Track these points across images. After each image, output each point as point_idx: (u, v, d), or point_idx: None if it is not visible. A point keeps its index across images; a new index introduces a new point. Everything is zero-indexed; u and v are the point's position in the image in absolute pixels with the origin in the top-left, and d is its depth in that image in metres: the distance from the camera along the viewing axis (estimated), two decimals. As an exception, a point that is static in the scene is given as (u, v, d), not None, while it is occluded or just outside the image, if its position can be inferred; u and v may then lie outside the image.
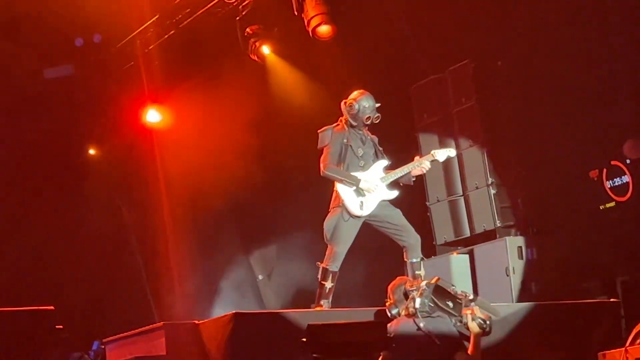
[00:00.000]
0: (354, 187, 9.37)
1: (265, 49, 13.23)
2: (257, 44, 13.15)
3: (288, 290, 14.42)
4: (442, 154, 9.92)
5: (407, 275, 9.52)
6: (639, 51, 10.45)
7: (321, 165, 9.47)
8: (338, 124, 9.62)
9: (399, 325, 7.51)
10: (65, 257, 14.90)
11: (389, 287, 7.76)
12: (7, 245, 14.15)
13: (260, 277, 14.85)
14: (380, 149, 9.68)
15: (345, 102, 9.61)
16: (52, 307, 5.72)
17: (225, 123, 13.58)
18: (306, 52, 12.87)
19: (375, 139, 9.70)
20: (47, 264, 14.65)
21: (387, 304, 7.78)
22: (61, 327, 5.71)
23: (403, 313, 7.54)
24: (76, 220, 15.01)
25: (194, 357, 8.52)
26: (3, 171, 14.06)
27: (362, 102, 9.53)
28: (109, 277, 15.02)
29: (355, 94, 9.60)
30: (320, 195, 9.98)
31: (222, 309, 13.45)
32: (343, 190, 9.39)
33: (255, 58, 13.23)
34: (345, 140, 9.50)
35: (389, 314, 7.70)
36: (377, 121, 9.60)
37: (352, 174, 9.44)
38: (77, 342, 11.53)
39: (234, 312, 8.34)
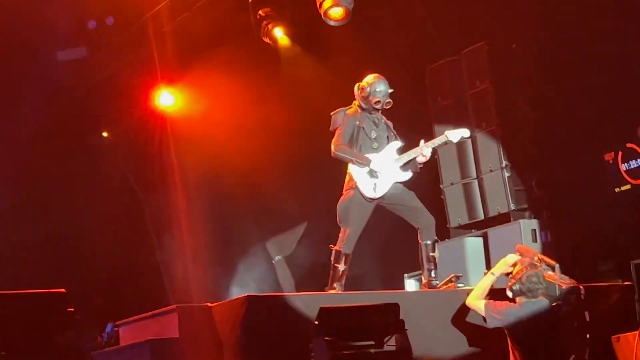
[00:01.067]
0: (367, 169, 9.34)
1: (278, 32, 13.18)
2: (270, 26, 13.09)
3: (304, 272, 14.42)
4: (456, 135, 9.88)
5: (421, 257, 9.51)
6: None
7: (332, 146, 9.44)
8: (351, 107, 9.60)
9: (521, 306, 7.98)
10: (80, 240, 14.93)
11: (523, 275, 8.02)
12: (21, 227, 14.17)
13: (276, 258, 14.84)
14: (394, 132, 9.63)
15: (358, 85, 9.58)
16: (63, 290, 5.72)
17: (238, 106, 13.56)
18: (319, 35, 12.82)
19: (390, 124, 9.66)
20: (61, 246, 14.67)
21: (509, 287, 8.11)
22: (72, 309, 5.70)
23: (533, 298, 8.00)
24: (90, 202, 15.02)
25: (207, 339, 8.51)
26: (17, 154, 14.07)
27: (375, 86, 9.49)
28: (123, 259, 15.04)
29: (369, 77, 9.56)
30: (335, 177, 9.95)
31: (238, 292, 13.47)
32: (356, 172, 9.36)
33: (268, 41, 13.18)
34: (357, 122, 9.46)
35: (510, 294, 8.07)
36: (387, 107, 9.54)
37: (365, 155, 9.41)
38: (91, 324, 11.57)
39: (247, 294, 8.34)
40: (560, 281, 8.20)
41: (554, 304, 8.15)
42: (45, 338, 5.66)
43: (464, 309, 8.66)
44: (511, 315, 7.97)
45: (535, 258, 8.24)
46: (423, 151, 9.46)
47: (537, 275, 8.02)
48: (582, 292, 8.14)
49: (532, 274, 7.99)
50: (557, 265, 8.31)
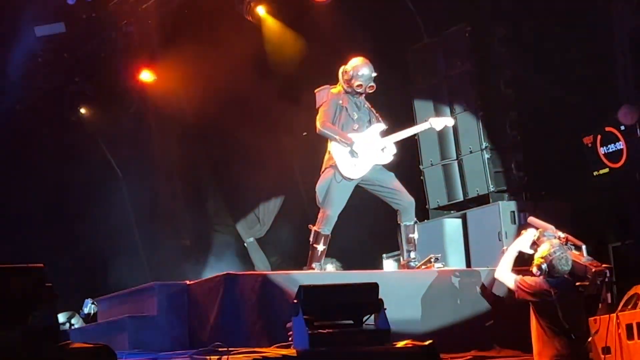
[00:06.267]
0: (348, 148, 9.31)
1: (261, 10, 13.12)
2: (253, 4, 13.04)
3: (278, 253, 14.42)
4: (440, 123, 9.92)
5: (400, 238, 9.52)
6: (637, 17, 10.40)
7: (317, 122, 9.40)
8: (336, 86, 9.57)
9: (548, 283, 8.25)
10: (58, 216, 14.86)
11: (552, 256, 8.27)
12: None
13: (248, 241, 14.81)
14: (377, 115, 9.61)
15: (343, 68, 9.55)
16: (41, 265, 5.67)
17: (219, 84, 13.48)
18: (302, 14, 12.76)
19: (371, 108, 9.64)
20: (40, 222, 14.61)
21: (536, 264, 8.33)
22: (50, 284, 5.66)
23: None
24: (69, 179, 14.95)
25: (184, 317, 8.52)
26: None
27: (358, 70, 9.47)
28: (102, 236, 14.99)
29: (354, 60, 9.54)
30: (313, 157, 9.93)
31: (211, 271, 13.44)
32: (337, 151, 9.33)
33: (251, 19, 13.12)
34: (340, 102, 9.44)
35: (537, 272, 8.30)
36: (370, 91, 9.53)
37: (348, 135, 9.38)
38: (69, 301, 11.54)
39: (225, 272, 8.33)
40: (588, 263, 8.44)
41: (577, 283, 8.40)
42: (22, 313, 5.60)
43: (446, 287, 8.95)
44: (540, 291, 8.24)
45: (562, 235, 8.59)
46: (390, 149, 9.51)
47: (567, 258, 8.29)
48: (608, 275, 8.45)
49: (562, 257, 8.27)
50: (583, 246, 8.64)
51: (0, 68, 13.87)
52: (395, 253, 11.21)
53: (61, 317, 10.90)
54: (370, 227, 12.29)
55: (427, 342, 7.02)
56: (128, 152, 15.14)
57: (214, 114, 13.87)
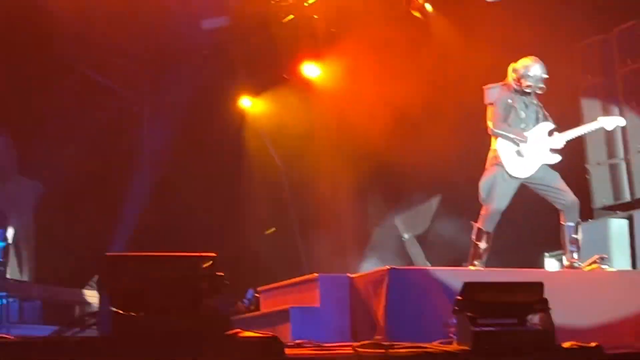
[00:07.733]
0: (515, 147, 9.19)
1: (428, 6, 13.09)
2: (420, 0, 13.02)
3: (436, 249, 14.35)
4: (611, 122, 9.69)
5: (563, 238, 9.36)
6: None
7: (489, 122, 9.32)
8: (505, 84, 9.46)
9: None
10: (223, 206, 15.13)
11: None
12: (171, 194, 14.47)
13: (405, 236, 14.81)
14: (546, 113, 9.46)
15: (513, 66, 9.43)
16: (214, 254, 5.81)
17: (384, 79, 13.49)
18: (469, 9, 12.66)
19: (541, 105, 9.48)
20: (206, 213, 14.90)
21: None
22: (222, 273, 5.80)
23: None
24: (233, 171, 15.22)
25: (346, 309, 8.56)
26: (165, 121, 14.34)
27: (528, 70, 9.34)
28: (263, 227, 15.23)
29: (525, 59, 9.40)
30: (474, 154, 9.85)
31: (368, 266, 13.48)
32: (503, 150, 9.24)
33: (418, 14, 13.10)
34: (510, 101, 9.34)
35: None
36: (540, 92, 9.38)
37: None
38: (232, 290, 11.74)
39: (389, 267, 8.33)
40: None
41: None
42: (194, 300, 5.75)
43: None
44: None
45: None
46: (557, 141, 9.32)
47: None
48: None
49: None
50: None
51: (170, 62, 14.22)
52: (558, 252, 11.03)
53: None
54: (530, 225, 12.13)
55: (593, 344, 6.87)
56: (290, 147, 15.29)
57: (377, 110, 13.88)
